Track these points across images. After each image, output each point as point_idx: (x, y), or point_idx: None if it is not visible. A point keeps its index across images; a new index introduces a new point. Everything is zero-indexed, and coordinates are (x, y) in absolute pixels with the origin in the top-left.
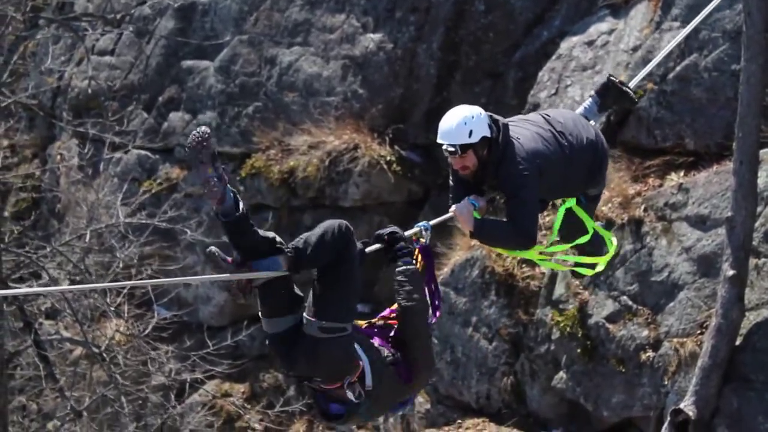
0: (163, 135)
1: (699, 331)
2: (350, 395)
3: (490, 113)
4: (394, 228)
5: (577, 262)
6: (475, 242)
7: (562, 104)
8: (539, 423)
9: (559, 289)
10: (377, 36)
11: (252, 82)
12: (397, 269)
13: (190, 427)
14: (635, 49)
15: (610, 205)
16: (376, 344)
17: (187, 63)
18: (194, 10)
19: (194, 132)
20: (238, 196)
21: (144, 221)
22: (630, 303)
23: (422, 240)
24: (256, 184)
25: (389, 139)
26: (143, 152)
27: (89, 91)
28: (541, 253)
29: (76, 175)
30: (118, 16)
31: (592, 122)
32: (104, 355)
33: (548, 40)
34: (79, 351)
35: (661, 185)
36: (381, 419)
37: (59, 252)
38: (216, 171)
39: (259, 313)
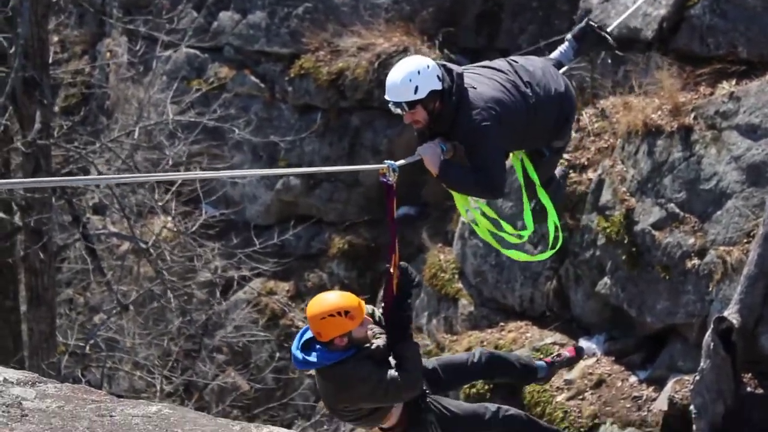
0: (212, 34)
1: (746, 240)
2: None
3: (444, 63)
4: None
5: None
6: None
7: (614, 11)
8: (582, 328)
9: (606, 195)
10: None
11: None
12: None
13: (234, 323)
14: None
15: (660, 112)
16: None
17: None
18: None
19: None
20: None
21: (193, 119)
22: (677, 210)
23: (390, 179)
24: (304, 85)
25: (439, 42)
26: (193, 51)
27: None
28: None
29: (125, 72)
30: None
31: (564, 67)
32: (151, 250)
33: None
34: (126, 246)
35: (712, 93)
36: (425, 321)
37: (108, 148)
38: None
39: None
